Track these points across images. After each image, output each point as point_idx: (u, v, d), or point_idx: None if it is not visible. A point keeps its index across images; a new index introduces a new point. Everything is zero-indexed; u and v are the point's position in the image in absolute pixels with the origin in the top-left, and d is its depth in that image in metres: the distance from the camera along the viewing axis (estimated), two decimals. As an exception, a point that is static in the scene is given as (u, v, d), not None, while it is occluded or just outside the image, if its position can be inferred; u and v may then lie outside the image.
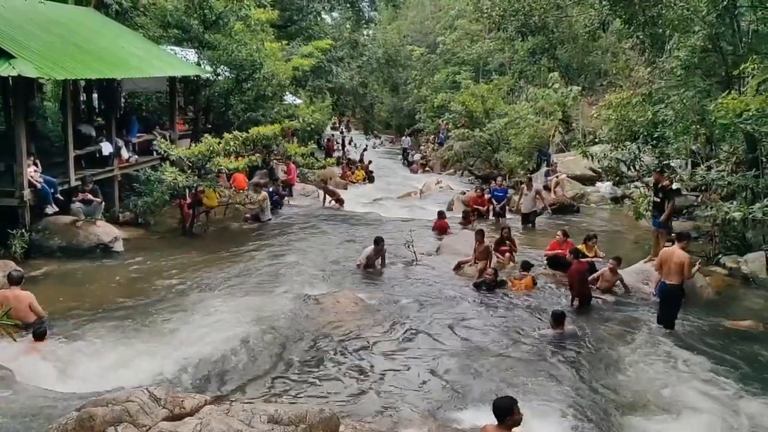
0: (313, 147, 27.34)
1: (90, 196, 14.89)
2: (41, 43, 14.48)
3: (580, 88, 28.75)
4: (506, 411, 5.77)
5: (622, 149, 16.33)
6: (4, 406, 7.06)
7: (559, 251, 13.82)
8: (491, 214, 19.79)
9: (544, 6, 25.17)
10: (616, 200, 22.36)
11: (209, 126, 22.17)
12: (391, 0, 41.62)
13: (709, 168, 15.85)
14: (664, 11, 17.77)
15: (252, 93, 22.64)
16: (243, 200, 18.47)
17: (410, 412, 7.91)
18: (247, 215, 18.58)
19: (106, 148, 16.66)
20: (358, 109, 44.20)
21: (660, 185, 14.11)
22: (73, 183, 15.19)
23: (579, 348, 10.02)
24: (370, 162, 34.16)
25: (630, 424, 7.90)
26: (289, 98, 28.12)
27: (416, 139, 45.64)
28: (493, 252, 13.95)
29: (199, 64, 21.70)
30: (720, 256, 14.61)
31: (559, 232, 14.27)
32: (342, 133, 48.42)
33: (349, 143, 40.89)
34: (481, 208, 19.76)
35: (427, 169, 36.21)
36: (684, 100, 15.30)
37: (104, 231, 14.61)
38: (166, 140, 18.23)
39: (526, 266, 12.94)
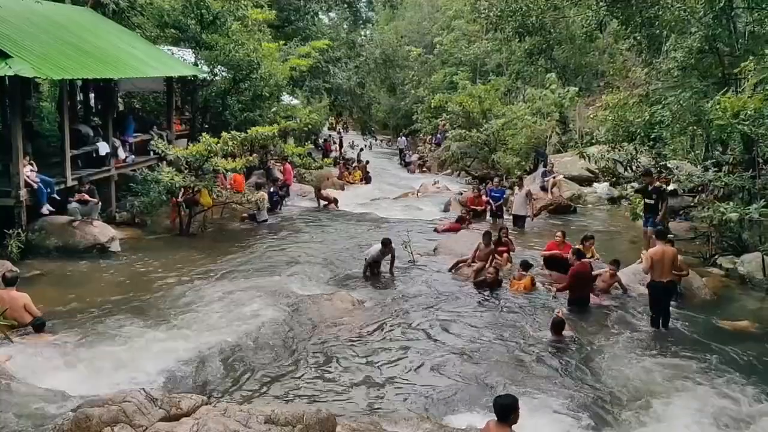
0: (311, 147, 27.40)
1: (87, 197, 14.86)
2: (38, 42, 14.45)
3: (577, 88, 28.82)
4: (510, 409, 5.76)
5: (619, 150, 16.36)
6: (1, 406, 7.04)
7: (556, 252, 13.83)
8: (488, 214, 19.79)
9: (541, 7, 25.14)
10: (613, 201, 22.41)
11: (206, 126, 22.15)
12: (389, 0, 41.61)
13: (705, 169, 15.87)
14: (661, 12, 17.81)
15: (249, 93, 22.62)
16: (240, 199, 18.46)
17: (407, 412, 7.91)
18: (244, 215, 18.57)
19: (103, 148, 16.64)
20: (355, 109, 44.15)
21: (652, 186, 14.11)
22: (70, 183, 15.17)
23: (576, 349, 10.03)
24: (367, 162, 34.14)
25: (626, 424, 7.90)
26: (286, 98, 28.12)
27: (413, 140, 45.67)
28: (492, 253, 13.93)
29: (196, 64, 21.69)
30: (717, 256, 14.65)
31: (558, 233, 14.27)
32: (339, 133, 48.42)
33: (351, 146, 40.86)
34: (478, 208, 19.77)
35: (424, 169, 36.22)
36: (681, 101, 15.32)
37: (101, 231, 14.59)
38: (163, 140, 18.21)
39: (526, 266, 12.91)
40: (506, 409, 5.76)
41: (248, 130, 17.49)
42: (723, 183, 15.03)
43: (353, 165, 33.04)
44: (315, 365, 9.28)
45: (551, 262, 13.86)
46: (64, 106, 15.78)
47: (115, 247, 14.62)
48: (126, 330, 10.01)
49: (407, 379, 8.96)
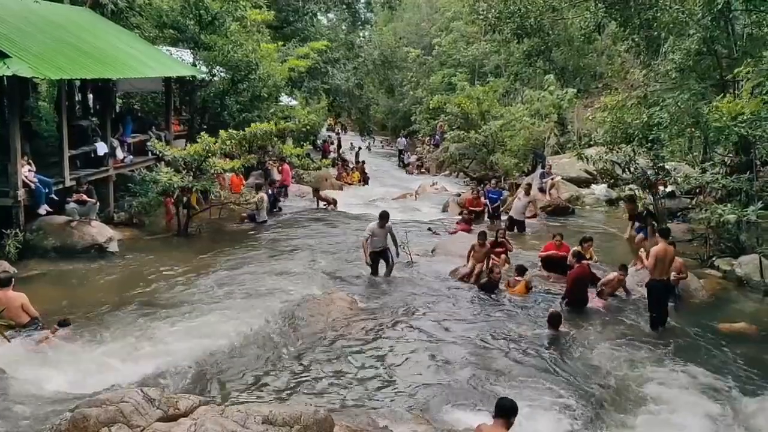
0: (309, 148, 27.39)
1: (85, 197, 14.85)
2: (36, 42, 14.44)
3: (575, 90, 28.85)
4: (512, 410, 5.77)
5: (617, 152, 16.35)
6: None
7: (553, 252, 13.84)
8: (486, 215, 19.80)
9: (539, 8, 25.12)
10: (611, 202, 22.40)
11: (204, 126, 22.13)
12: (388, 1, 41.63)
13: (703, 171, 15.90)
14: (659, 14, 17.83)
15: (247, 94, 22.61)
16: (238, 200, 18.44)
17: (405, 412, 7.91)
18: (244, 216, 18.56)
19: (101, 148, 16.62)
20: (353, 110, 44.17)
21: (635, 214, 14.06)
22: (68, 183, 15.15)
23: (574, 349, 10.04)
24: (363, 162, 34.17)
25: (623, 424, 7.91)
26: (284, 99, 28.10)
27: (412, 141, 45.68)
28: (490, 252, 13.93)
29: (194, 65, 21.67)
30: (714, 258, 14.66)
31: (557, 236, 14.28)
32: (338, 134, 48.42)
33: (350, 147, 40.87)
34: (476, 209, 19.78)
35: (422, 170, 36.24)
36: (679, 103, 15.33)
37: (99, 231, 14.58)
38: (161, 141, 18.20)
39: (521, 271, 12.90)
40: (509, 410, 5.78)
41: (247, 129, 17.49)
42: (721, 185, 15.06)
43: (351, 166, 33.06)
44: (313, 365, 9.28)
45: (549, 263, 13.87)
46: (63, 106, 15.75)
47: (113, 247, 14.60)
48: (124, 330, 10.01)
49: (405, 379, 8.96)
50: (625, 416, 8.09)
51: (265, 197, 18.92)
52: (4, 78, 13.52)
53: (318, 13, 36.27)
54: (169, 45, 22.53)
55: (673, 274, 11.54)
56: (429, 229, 18.02)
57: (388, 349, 9.98)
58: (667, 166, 16.73)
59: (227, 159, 17.06)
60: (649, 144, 15.99)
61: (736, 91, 15.27)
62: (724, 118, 12.93)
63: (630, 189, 17.60)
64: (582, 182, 24.12)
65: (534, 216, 19.45)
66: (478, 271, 13.21)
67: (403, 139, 43.86)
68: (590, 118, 21.73)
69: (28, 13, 15.97)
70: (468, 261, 13.60)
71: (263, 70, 22.33)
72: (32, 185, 13.88)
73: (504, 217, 18.92)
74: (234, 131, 16.95)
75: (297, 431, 6.13)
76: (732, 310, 12.33)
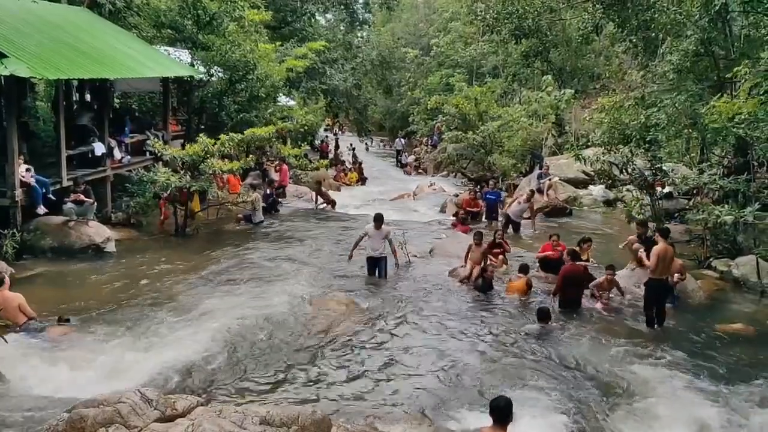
0: (307, 149, 27.39)
1: (82, 197, 14.83)
2: (34, 42, 14.42)
3: (573, 91, 28.89)
4: (507, 409, 5.76)
5: (615, 152, 16.37)
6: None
7: (550, 253, 13.85)
8: (484, 216, 19.82)
9: (537, 9, 25.22)
10: (609, 203, 22.44)
11: (202, 127, 22.12)
12: (386, 2, 41.64)
13: (701, 172, 15.92)
14: (656, 15, 17.86)
15: (245, 94, 22.59)
16: (235, 200, 18.44)
17: (402, 413, 7.92)
18: (240, 216, 18.55)
19: (99, 148, 16.60)
20: (351, 110, 44.15)
21: (644, 237, 14.01)
22: (66, 183, 15.14)
23: (569, 349, 10.05)
24: (361, 163, 34.18)
25: (618, 424, 7.92)
26: (282, 99, 28.09)
27: (410, 141, 45.69)
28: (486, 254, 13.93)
29: (192, 65, 21.65)
30: (711, 259, 14.69)
31: (554, 237, 14.29)
32: (336, 134, 48.42)
33: (348, 148, 40.87)
34: (474, 210, 19.79)
35: (420, 171, 36.25)
36: (676, 104, 15.37)
37: (96, 232, 14.56)
38: (159, 141, 18.19)
39: (524, 269, 12.89)
40: (505, 412, 5.77)
41: (245, 132, 17.48)
42: (718, 186, 15.08)
43: (349, 167, 33.08)
44: (311, 366, 9.28)
45: (546, 264, 13.88)
46: (60, 106, 15.73)
47: (111, 247, 14.59)
48: (121, 330, 10.00)
49: (403, 380, 8.96)
50: (620, 416, 8.09)
51: (260, 197, 18.89)
52: (2, 78, 13.51)
53: (316, 14, 36.23)
54: (166, 45, 22.51)
55: (676, 276, 11.57)
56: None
57: (386, 349, 9.99)
58: (664, 167, 16.76)
59: (225, 160, 17.02)
60: (647, 145, 16.02)
61: (734, 92, 15.30)
62: (722, 119, 12.97)
63: (628, 190, 17.61)
64: (579, 183, 24.16)
65: (532, 216, 19.44)
66: (477, 273, 13.19)
67: (401, 139, 43.87)
68: (588, 118, 21.79)
69: (25, 13, 15.96)
70: (466, 262, 13.59)
71: (261, 71, 22.32)
72: (31, 182, 13.85)
73: (502, 218, 18.91)
74: (233, 134, 16.94)
75: (294, 432, 6.13)
76: (729, 310, 12.37)
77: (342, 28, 39.73)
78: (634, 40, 21.10)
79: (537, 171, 24.30)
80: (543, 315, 10.79)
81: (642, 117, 15.84)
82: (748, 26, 16.87)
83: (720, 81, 16.48)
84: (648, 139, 15.91)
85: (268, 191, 20.17)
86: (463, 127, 30.12)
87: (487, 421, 5.82)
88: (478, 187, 22.88)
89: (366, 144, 47.73)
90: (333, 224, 18.96)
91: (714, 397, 8.57)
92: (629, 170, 16.23)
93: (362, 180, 31.47)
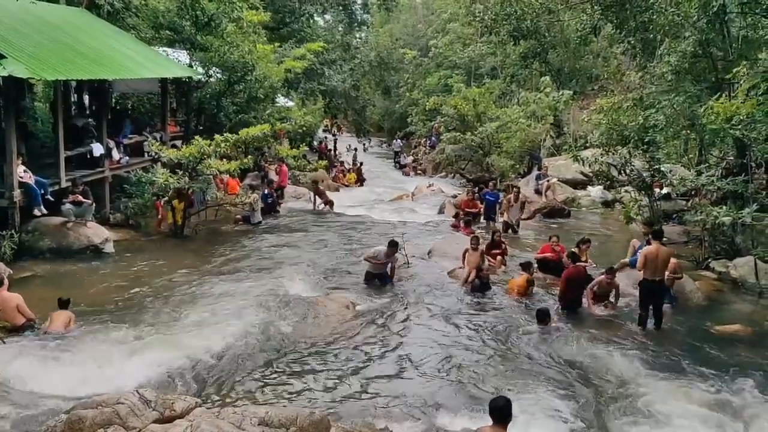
0: (305, 149, 27.39)
1: (81, 198, 14.82)
2: (32, 43, 14.42)
3: (571, 92, 28.91)
4: (506, 408, 5.77)
5: (613, 154, 16.40)
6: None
7: (549, 254, 13.86)
8: (483, 217, 19.82)
9: (536, 10, 25.27)
10: (607, 204, 22.48)
11: (201, 128, 22.13)
12: (384, 3, 41.68)
13: (699, 173, 15.95)
14: (654, 17, 17.89)
15: (244, 95, 22.61)
16: (233, 201, 18.43)
17: (401, 414, 7.92)
18: (238, 217, 18.54)
19: (97, 149, 16.60)
20: (350, 111, 44.22)
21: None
22: (64, 184, 15.12)
23: (567, 350, 10.05)
24: (361, 164, 34.20)
25: (615, 424, 7.93)
26: (281, 100, 28.11)
27: (408, 142, 45.71)
28: (485, 256, 13.92)
29: (191, 66, 21.65)
30: (709, 260, 14.71)
31: (554, 237, 14.30)
32: (334, 135, 48.46)
33: (348, 149, 40.92)
34: (472, 211, 19.78)
35: (418, 172, 36.27)
36: (674, 105, 15.39)
37: (94, 232, 14.55)
38: (158, 142, 18.19)
39: (526, 266, 12.86)
40: (503, 411, 5.77)
41: (240, 132, 17.49)
42: (716, 187, 15.10)
43: (348, 168, 33.09)
44: (309, 367, 9.28)
45: (545, 265, 13.89)
46: (59, 107, 15.72)
47: (109, 248, 14.57)
48: (119, 331, 9.98)
49: (402, 381, 8.96)
50: (618, 416, 8.10)
51: (259, 198, 18.88)
52: (0, 79, 13.48)
53: (314, 15, 36.29)
54: (165, 46, 22.51)
55: (667, 273, 11.56)
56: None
57: (385, 350, 9.99)
58: (662, 168, 16.79)
59: (224, 160, 17.02)
60: (645, 146, 16.04)
61: (732, 94, 15.33)
62: (720, 120, 12.99)
63: (626, 191, 17.64)
64: (578, 184, 24.19)
65: (530, 218, 19.46)
66: (474, 275, 13.16)
67: (399, 140, 43.90)
68: (586, 120, 21.82)
69: (24, 13, 15.95)
70: (463, 263, 13.58)
71: (260, 72, 22.34)
72: (31, 182, 13.84)
73: (500, 219, 18.93)
74: (229, 135, 16.95)
75: (293, 433, 6.13)
76: (727, 311, 12.38)
77: (340, 29, 39.81)
78: (633, 42, 21.15)
79: (535, 172, 24.33)
80: (542, 316, 10.81)
81: (640, 118, 15.87)
82: (746, 27, 16.92)
83: (718, 82, 16.50)
84: (646, 140, 15.94)
85: (266, 191, 20.16)
86: (461, 128, 30.16)
87: (487, 421, 5.83)
88: (477, 188, 22.89)
89: (364, 144, 47.76)
90: (332, 225, 18.94)
91: (712, 398, 8.57)
92: (627, 171, 16.26)
93: (361, 181, 31.48)
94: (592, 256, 13.95)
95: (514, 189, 18.94)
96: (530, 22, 25.74)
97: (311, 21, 35.64)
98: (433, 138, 38.85)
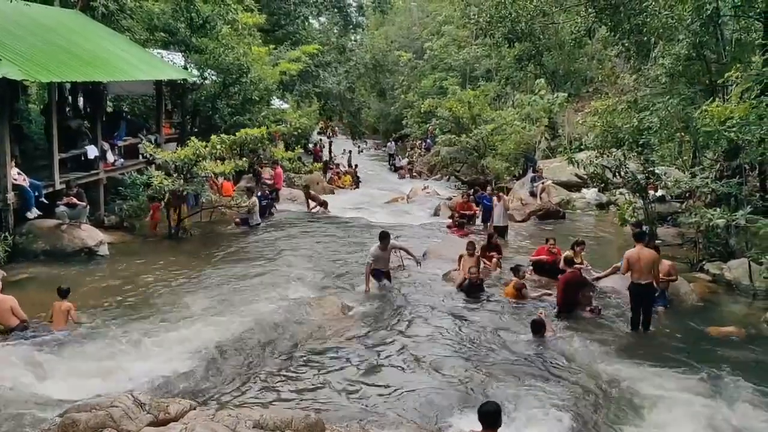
0: (300, 152, 27.40)
1: (75, 200, 14.79)
2: (26, 45, 14.39)
3: (566, 94, 28.96)
4: (496, 414, 5.77)
5: (608, 156, 16.43)
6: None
7: (543, 257, 13.87)
8: (480, 219, 19.83)
9: (530, 13, 25.28)
10: (602, 206, 22.51)
11: (196, 130, 22.11)
12: (379, 5, 41.74)
13: (693, 175, 15.99)
14: (649, 19, 17.95)
15: (239, 97, 22.60)
16: (229, 203, 18.42)
17: (396, 417, 7.91)
18: (236, 219, 18.52)
19: (92, 151, 16.56)
20: (345, 114, 44.25)
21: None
22: (58, 186, 15.08)
23: (562, 354, 10.04)
24: (356, 166, 34.19)
25: (611, 427, 7.93)
26: (276, 102, 28.11)
27: (402, 144, 45.72)
28: (480, 259, 13.91)
29: (186, 68, 21.64)
30: (704, 262, 14.74)
31: (551, 240, 14.31)
32: (329, 137, 48.46)
33: (343, 153, 40.90)
34: (467, 213, 19.80)
35: (414, 174, 36.30)
36: (669, 108, 15.43)
37: (89, 235, 14.52)
38: (152, 144, 18.15)
39: (514, 270, 12.86)
40: (493, 416, 5.77)
41: (237, 134, 17.48)
42: (710, 189, 15.15)
43: (343, 170, 33.10)
44: (304, 370, 9.26)
45: (540, 267, 13.90)
46: (53, 109, 15.69)
47: (104, 250, 14.54)
48: (114, 334, 9.95)
49: (396, 384, 8.94)
50: (613, 419, 8.10)
51: (257, 201, 18.87)
52: (-6, 80, 13.45)
53: (310, 17, 36.33)
54: (160, 48, 22.50)
55: (661, 276, 11.58)
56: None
57: (379, 353, 9.97)
58: (657, 171, 16.82)
59: (218, 162, 17.00)
60: (640, 148, 16.08)
61: (725, 96, 15.38)
62: (714, 123, 13.03)
63: (621, 194, 17.68)
64: (572, 186, 24.23)
65: (525, 220, 19.48)
66: (467, 279, 13.11)
67: (393, 143, 43.93)
68: (581, 122, 21.81)
69: (18, 15, 15.91)
70: (459, 266, 13.57)
71: (255, 74, 22.34)
72: (25, 184, 13.80)
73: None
74: (224, 136, 16.93)
75: (288, 435, 6.12)
76: (721, 313, 12.40)
77: (335, 31, 39.84)
78: (627, 44, 21.20)
79: (530, 174, 24.37)
80: (537, 328, 10.53)
81: (635, 120, 15.90)
82: (740, 30, 16.99)
83: (712, 85, 16.57)
84: (641, 142, 15.97)
85: (260, 194, 20.14)
86: (456, 131, 30.20)
87: (478, 426, 5.83)
88: (472, 190, 22.92)
89: (359, 147, 47.77)
90: (327, 227, 18.94)
91: (706, 400, 8.59)
92: (622, 173, 16.28)
93: (356, 183, 31.49)
94: (586, 258, 13.97)
95: (496, 196, 18.81)
96: (525, 25, 25.75)
97: (306, 23, 35.68)
98: (428, 140, 38.88)
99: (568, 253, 13.04)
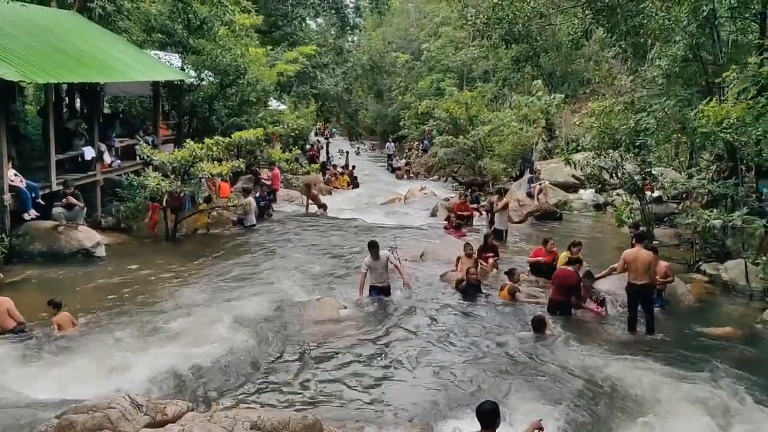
0: (298, 153, 27.39)
1: (72, 201, 14.76)
2: (23, 46, 14.37)
3: (563, 95, 29.01)
4: (494, 413, 5.78)
5: (605, 157, 16.46)
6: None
7: (540, 258, 13.88)
8: (475, 219, 19.87)
9: (527, 14, 25.29)
10: (599, 207, 22.56)
11: (193, 131, 22.09)
12: (376, 7, 41.74)
13: (690, 176, 16.03)
14: (645, 21, 18.01)
15: (236, 98, 22.59)
16: (226, 204, 18.40)
17: (394, 417, 7.91)
18: (233, 220, 18.50)
19: (89, 152, 16.54)
20: (342, 115, 44.22)
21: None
22: (55, 187, 15.05)
23: (561, 354, 10.05)
24: (353, 167, 34.18)
25: (609, 427, 7.94)
26: (273, 104, 28.10)
27: (400, 146, 45.73)
28: (478, 261, 13.92)
29: (183, 69, 21.62)
30: (700, 263, 14.77)
31: (550, 241, 14.32)
32: (327, 138, 48.43)
33: (340, 152, 40.89)
34: (464, 214, 19.82)
35: (411, 175, 36.29)
36: (665, 109, 15.46)
37: (86, 236, 14.49)
38: (149, 145, 18.14)
39: (508, 273, 12.89)
40: (491, 416, 5.79)
41: (232, 136, 17.47)
42: (707, 190, 15.18)
43: (340, 171, 33.07)
44: (301, 371, 9.26)
45: (536, 268, 13.91)
46: (50, 110, 15.66)
47: (101, 252, 14.52)
48: (111, 336, 9.94)
49: (394, 385, 8.95)
50: (611, 419, 8.11)
51: (253, 201, 18.86)
52: (-9, 81, 13.43)
53: (307, 18, 36.32)
54: (157, 49, 22.48)
55: (657, 277, 11.60)
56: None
57: (378, 354, 9.98)
58: (654, 172, 16.87)
59: (216, 163, 16.98)
60: (636, 149, 16.11)
61: (722, 97, 15.42)
62: (710, 124, 13.07)
63: (618, 195, 17.71)
64: (570, 187, 24.25)
65: (522, 221, 19.49)
66: (465, 279, 13.12)
67: (392, 144, 43.92)
68: (578, 123, 21.84)
69: (14, 16, 15.89)
70: (457, 267, 13.59)
71: (252, 75, 22.33)
72: (21, 185, 13.77)
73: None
74: (220, 138, 16.92)
75: (285, 437, 6.12)
76: (718, 314, 12.43)
77: (333, 32, 39.84)
78: (624, 46, 21.24)
79: (528, 175, 24.38)
80: (538, 324, 10.60)
81: (631, 121, 15.93)
82: (736, 32, 17.05)
83: (708, 86, 16.61)
84: (637, 143, 16.00)
85: (257, 195, 20.12)
86: (453, 132, 30.21)
87: (476, 425, 5.84)
88: (469, 191, 22.93)
89: (356, 148, 47.75)
90: (325, 228, 18.91)
91: (703, 400, 8.59)
92: (619, 174, 16.32)
93: (354, 184, 31.47)
94: (583, 259, 13.97)
95: (488, 202, 18.81)
96: (522, 26, 25.77)
97: (303, 24, 35.67)
98: (425, 141, 38.89)
99: (565, 253, 13.05)
